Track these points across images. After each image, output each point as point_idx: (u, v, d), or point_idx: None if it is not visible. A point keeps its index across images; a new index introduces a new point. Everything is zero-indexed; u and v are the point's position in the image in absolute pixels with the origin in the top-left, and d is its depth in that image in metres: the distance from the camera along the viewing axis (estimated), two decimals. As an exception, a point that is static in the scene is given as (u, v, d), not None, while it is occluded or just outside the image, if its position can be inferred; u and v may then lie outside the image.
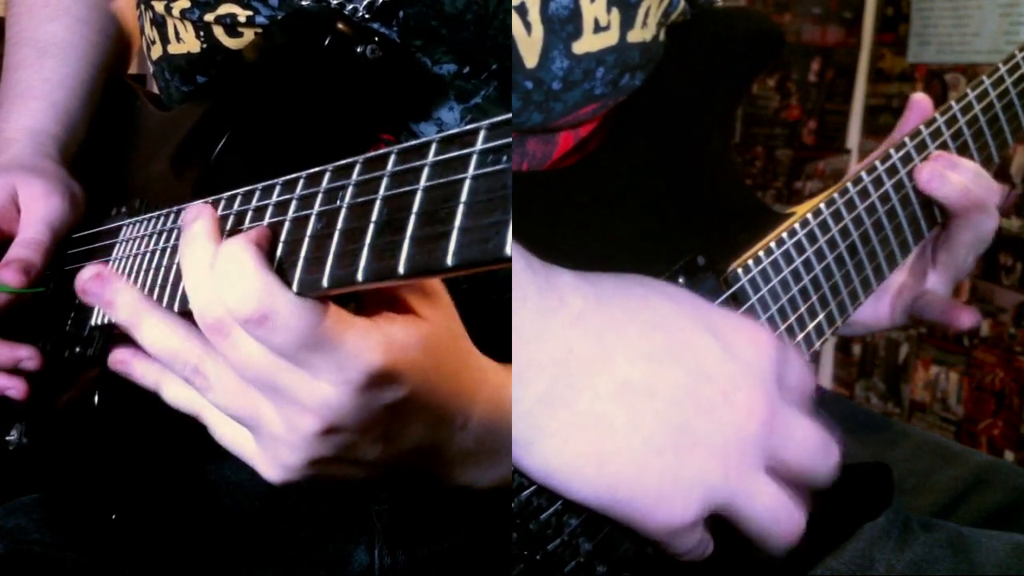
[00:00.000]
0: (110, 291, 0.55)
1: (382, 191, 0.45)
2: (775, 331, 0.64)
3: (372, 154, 0.47)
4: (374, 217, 0.45)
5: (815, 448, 0.52)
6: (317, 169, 0.49)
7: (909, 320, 0.82)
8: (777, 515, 0.51)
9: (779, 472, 0.51)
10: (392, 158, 0.45)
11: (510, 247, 0.39)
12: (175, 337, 0.53)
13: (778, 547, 0.51)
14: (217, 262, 0.49)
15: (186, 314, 0.55)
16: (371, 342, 0.48)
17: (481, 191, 0.41)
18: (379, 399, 0.49)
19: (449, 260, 0.41)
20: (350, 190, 0.47)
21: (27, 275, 0.73)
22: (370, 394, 0.48)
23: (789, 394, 0.52)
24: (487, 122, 0.42)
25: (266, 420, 0.50)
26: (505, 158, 0.40)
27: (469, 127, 0.42)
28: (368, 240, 0.44)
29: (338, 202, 0.47)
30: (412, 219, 0.43)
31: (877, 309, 0.81)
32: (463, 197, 0.41)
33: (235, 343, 0.49)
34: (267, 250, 0.49)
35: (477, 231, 0.40)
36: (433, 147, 0.44)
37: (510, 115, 0.41)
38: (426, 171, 0.43)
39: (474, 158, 0.41)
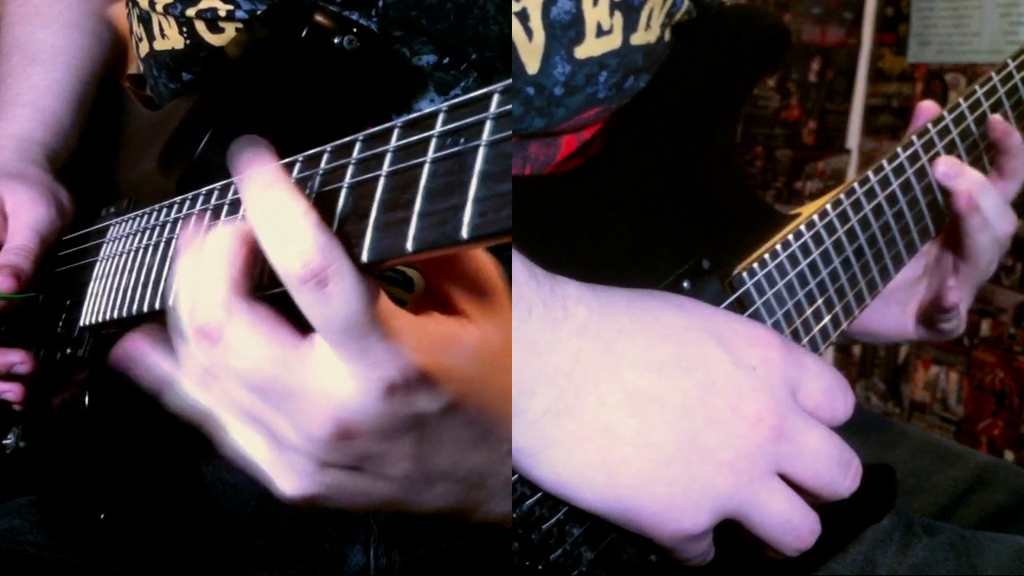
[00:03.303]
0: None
1: (347, 179, 0.45)
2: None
3: (339, 142, 0.47)
4: (339, 207, 0.45)
5: (829, 458, 0.51)
6: (288, 160, 0.49)
7: (938, 336, 0.80)
8: (788, 520, 0.51)
9: (793, 480, 0.51)
10: (358, 145, 0.45)
11: (467, 229, 0.38)
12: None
13: (791, 551, 0.52)
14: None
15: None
16: (413, 340, 0.43)
17: (440, 174, 0.40)
18: (409, 405, 0.43)
19: (409, 245, 0.41)
20: (318, 179, 0.47)
21: (18, 280, 0.72)
22: (400, 398, 0.43)
23: (806, 400, 0.52)
24: (446, 104, 0.41)
25: (278, 424, 0.45)
26: (463, 139, 0.40)
27: (429, 110, 0.42)
28: (334, 229, 0.44)
29: (306, 191, 0.47)
30: (375, 206, 0.43)
31: (901, 321, 0.80)
32: (422, 182, 0.41)
33: (233, 342, 0.44)
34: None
35: (435, 215, 0.40)
36: (395, 132, 0.44)
37: (471, 95, 0.40)
38: (388, 157, 0.43)
39: (433, 141, 0.41)
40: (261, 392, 0.44)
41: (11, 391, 0.72)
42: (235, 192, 0.53)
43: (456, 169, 0.40)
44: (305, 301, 0.42)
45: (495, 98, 0.39)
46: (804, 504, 0.51)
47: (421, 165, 0.41)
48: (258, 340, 0.44)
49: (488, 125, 0.39)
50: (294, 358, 0.43)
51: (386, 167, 0.43)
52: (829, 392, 0.53)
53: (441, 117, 0.41)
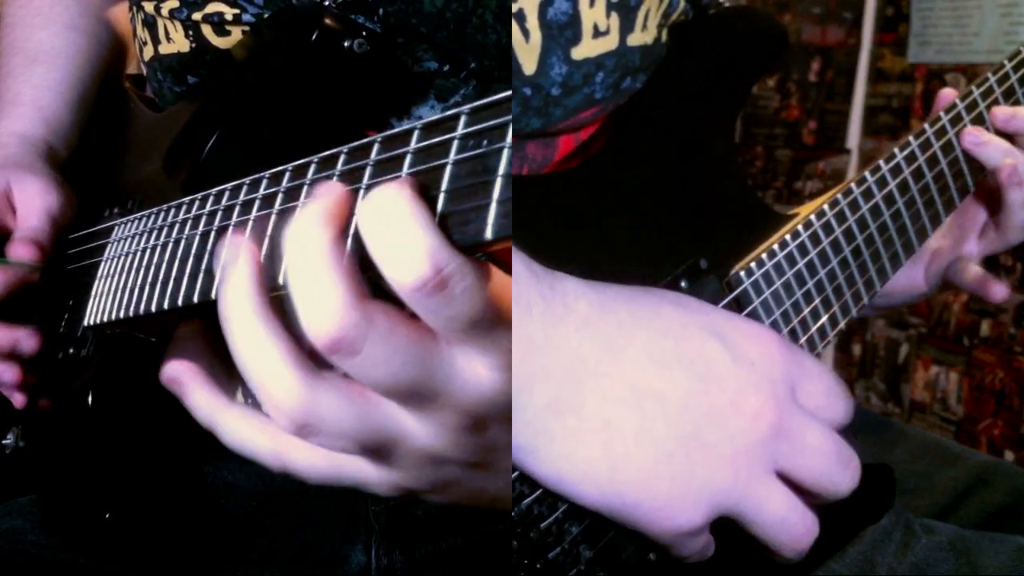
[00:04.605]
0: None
1: (366, 179, 0.45)
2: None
3: (356, 144, 0.47)
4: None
5: (829, 456, 0.51)
6: (303, 161, 0.49)
7: (940, 284, 0.82)
8: (786, 520, 0.50)
9: (792, 478, 0.51)
10: (376, 147, 0.45)
11: (492, 230, 0.39)
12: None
13: (789, 552, 0.51)
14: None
15: (191, 309, 0.54)
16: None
17: (463, 176, 0.41)
18: None
19: None
20: (335, 181, 0.47)
21: (40, 250, 0.72)
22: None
23: (806, 400, 0.52)
24: (468, 107, 0.42)
25: (399, 437, 0.43)
26: (486, 141, 0.40)
27: (450, 112, 0.42)
28: (353, 231, 0.44)
29: None
30: None
31: (912, 275, 0.81)
32: (444, 184, 0.41)
33: (373, 350, 0.40)
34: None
35: (458, 215, 0.40)
36: (416, 134, 0.44)
37: (493, 98, 0.41)
38: (408, 158, 0.43)
39: (455, 143, 0.41)
40: (400, 398, 0.42)
41: (8, 372, 0.70)
42: (247, 193, 0.53)
43: (479, 170, 0.40)
44: (423, 307, 0.39)
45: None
46: (802, 505, 0.51)
47: (443, 167, 0.41)
48: (399, 343, 0.40)
49: (511, 128, 0.40)
50: (435, 356, 0.41)
51: (406, 169, 0.43)
52: (830, 394, 0.52)
53: (463, 120, 0.41)
